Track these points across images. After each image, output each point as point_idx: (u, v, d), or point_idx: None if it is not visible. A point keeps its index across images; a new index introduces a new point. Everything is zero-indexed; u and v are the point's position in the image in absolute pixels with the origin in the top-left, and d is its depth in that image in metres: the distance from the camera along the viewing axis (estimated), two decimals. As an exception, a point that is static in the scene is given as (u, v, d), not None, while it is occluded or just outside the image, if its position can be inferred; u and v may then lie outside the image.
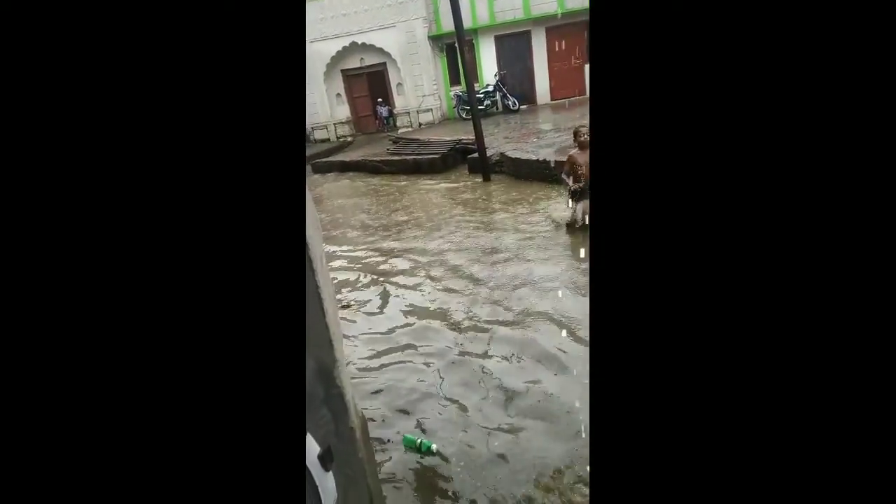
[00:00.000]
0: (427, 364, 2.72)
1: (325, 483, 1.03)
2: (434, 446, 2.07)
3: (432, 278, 3.95)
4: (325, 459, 1.02)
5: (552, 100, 13.28)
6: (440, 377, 2.58)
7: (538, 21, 12.47)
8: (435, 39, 13.15)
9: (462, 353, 2.77)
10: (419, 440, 2.10)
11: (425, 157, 8.52)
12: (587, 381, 2.37)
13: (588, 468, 1.83)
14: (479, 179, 7.01)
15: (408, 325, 3.26)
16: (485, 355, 2.71)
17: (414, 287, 3.86)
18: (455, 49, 7.65)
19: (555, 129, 8.75)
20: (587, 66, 12.75)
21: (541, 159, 6.38)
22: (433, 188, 7.22)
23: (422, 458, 2.05)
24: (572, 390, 2.31)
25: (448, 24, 7.23)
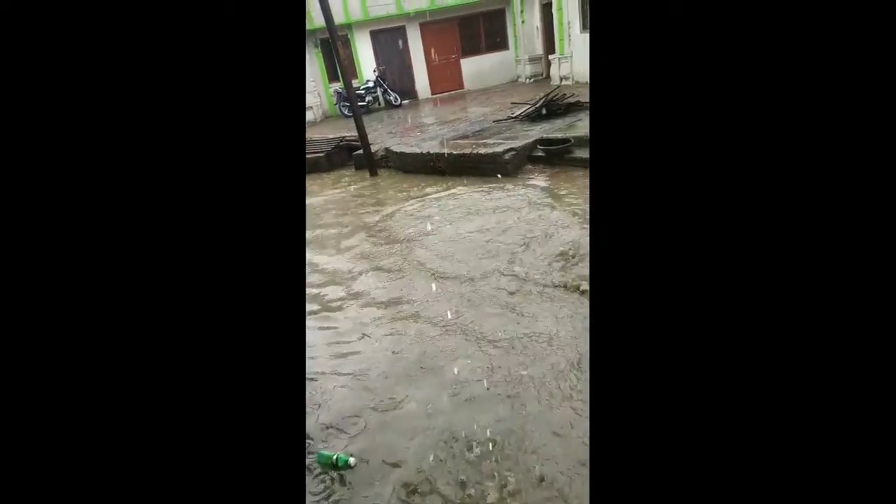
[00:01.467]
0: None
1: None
2: (351, 459, 1.90)
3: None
4: None
5: (433, 94, 13.49)
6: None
7: (411, 17, 12.52)
8: (308, 35, 12.72)
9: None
10: (334, 455, 1.91)
11: (309, 155, 8.26)
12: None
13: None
14: (367, 175, 6.96)
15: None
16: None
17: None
18: (330, 44, 7.50)
19: (437, 122, 8.95)
20: (462, 61, 13.26)
21: (425, 152, 6.52)
22: (325, 187, 7.05)
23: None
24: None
25: (320, 19, 7.05)
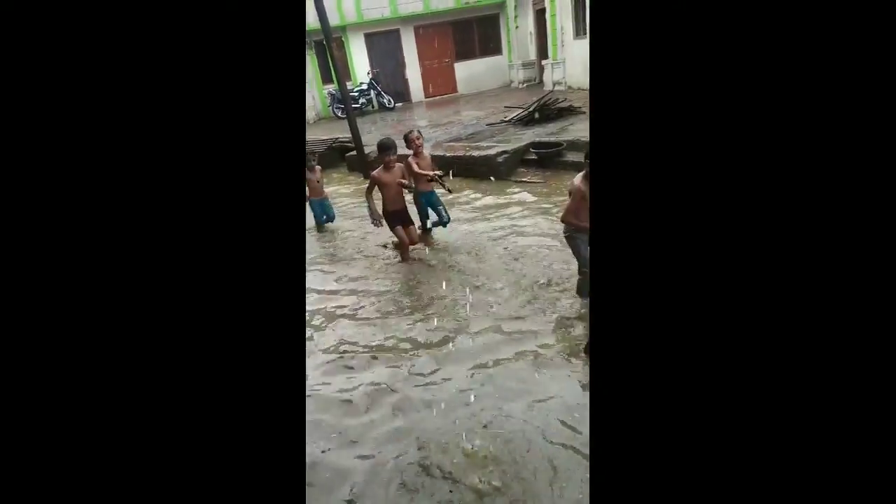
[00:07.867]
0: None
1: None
2: None
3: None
4: None
5: (426, 97, 13.47)
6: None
7: (406, 20, 12.55)
8: (301, 38, 8.90)
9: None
10: None
11: (298, 155, 6.08)
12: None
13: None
14: (360, 177, 6.74)
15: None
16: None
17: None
18: (325, 46, 7.44)
19: (431, 125, 8.85)
20: (456, 65, 13.23)
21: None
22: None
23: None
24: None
25: (314, 21, 6.69)
